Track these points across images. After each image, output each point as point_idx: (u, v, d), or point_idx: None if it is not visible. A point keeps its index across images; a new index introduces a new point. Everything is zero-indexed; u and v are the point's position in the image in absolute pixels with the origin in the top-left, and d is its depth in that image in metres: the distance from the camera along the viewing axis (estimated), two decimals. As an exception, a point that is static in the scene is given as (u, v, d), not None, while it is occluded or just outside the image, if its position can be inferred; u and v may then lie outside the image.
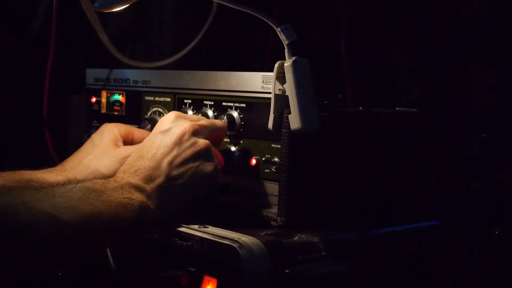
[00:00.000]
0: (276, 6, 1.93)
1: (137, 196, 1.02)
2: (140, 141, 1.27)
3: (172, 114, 1.16)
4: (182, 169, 1.10)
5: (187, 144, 1.12)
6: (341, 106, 1.32)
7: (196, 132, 1.14)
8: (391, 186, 1.28)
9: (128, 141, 1.29)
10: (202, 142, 1.14)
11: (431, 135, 1.36)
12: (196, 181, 1.11)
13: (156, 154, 1.10)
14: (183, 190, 1.10)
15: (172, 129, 1.13)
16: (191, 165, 1.11)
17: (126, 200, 1.00)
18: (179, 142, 1.12)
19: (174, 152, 1.10)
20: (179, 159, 1.10)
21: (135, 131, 1.30)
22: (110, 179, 1.04)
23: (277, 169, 1.14)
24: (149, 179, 1.06)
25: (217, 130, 1.19)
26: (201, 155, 1.13)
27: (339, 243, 1.09)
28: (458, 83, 1.82)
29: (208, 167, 1.13)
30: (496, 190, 1.45)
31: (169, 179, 1.08)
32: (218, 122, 1.21)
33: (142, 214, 1.02)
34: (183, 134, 1.12)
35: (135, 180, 1.05)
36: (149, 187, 1.05)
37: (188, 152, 1.11)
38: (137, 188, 1.04)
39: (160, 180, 1.07)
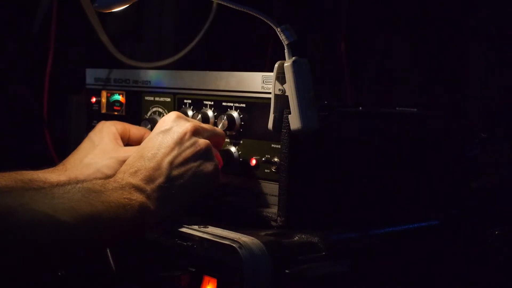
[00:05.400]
0: (276, 6, 1.93)
1: (137, 197, 1.02)
2: (136, 139, 1.27)
3: (173, 114, 1.16)
4: (182, 169, 1.10)
5: (187, 143, 1.12)
6: (341, 106, 1.32)
7: (197, 132, 1.14)
8: (391, 186, 1.27)
9: (125, 139, 1.29)
10: (202, 141, 1.13)
11: (431, 135, 1.36)
12: (197, 180, 1.11)
13: (157, 154, 1.09)
14: (183, 190, 1.09)
15: (173, 128, 1.13)
16: (192, 164, 1.11)
17: (126, 200, 1.00)
18: (180, 141, 1.11)
19: (175, 152, 1.10)
20: (180, 159, 1.10)
21: (131, 129, 1.30)
22: (110, 180, 1.04)
23: (277, 169, 1.14)
24: (150, 179, 1.06)
25: (216, 136, 1.19)
26: (202, 154, 1.12)
27: (339, 243, 1.09)
28: (458, 83, 1.82)
29: (209, 166, 1.13)
30: (496, 190, 1.45)
31: (170, 179, 1.08)
32: (218, 129, 1.21)
33: (142, 215, 1.02)
34: (184, 134, 1.12)
35: (135, 180, 1.05)
36: (149, 187, 1.05)
37: (189, 152, 1.11)
38: (137, 188, 1.03)
39: (160, 180, 1.07)
